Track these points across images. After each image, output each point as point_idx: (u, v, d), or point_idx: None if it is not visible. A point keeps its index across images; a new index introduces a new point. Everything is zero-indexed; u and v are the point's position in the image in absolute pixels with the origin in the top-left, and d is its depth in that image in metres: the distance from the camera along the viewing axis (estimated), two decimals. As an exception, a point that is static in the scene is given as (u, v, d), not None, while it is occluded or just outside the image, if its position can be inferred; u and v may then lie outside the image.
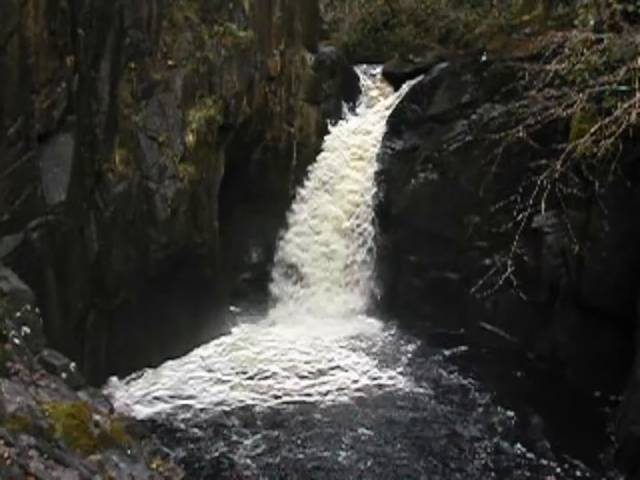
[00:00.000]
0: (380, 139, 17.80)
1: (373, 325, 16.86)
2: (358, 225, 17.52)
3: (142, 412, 12.67)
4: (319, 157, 18.07)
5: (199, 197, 14.97)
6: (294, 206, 17.89)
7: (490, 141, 14.50)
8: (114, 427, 5.62)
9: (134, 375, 13.85)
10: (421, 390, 13.75)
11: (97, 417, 5.50)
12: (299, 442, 11.89)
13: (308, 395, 13.55)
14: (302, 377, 14.24)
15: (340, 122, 18.70)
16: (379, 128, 18.03)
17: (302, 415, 12.76)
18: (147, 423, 12.03)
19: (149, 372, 14.03)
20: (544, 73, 13.27)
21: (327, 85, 18.70)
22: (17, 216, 11.03)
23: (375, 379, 14.23)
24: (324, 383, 14.01)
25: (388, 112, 18.20)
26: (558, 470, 11.15)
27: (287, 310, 17.43)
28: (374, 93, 19.65)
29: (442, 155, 16.49)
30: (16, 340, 6.13)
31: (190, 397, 13.34)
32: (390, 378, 14.23)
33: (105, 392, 12.26)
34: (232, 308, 17.00)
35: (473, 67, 16.64)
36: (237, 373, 14.32)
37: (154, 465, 5.62)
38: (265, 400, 13.28)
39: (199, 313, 15.01)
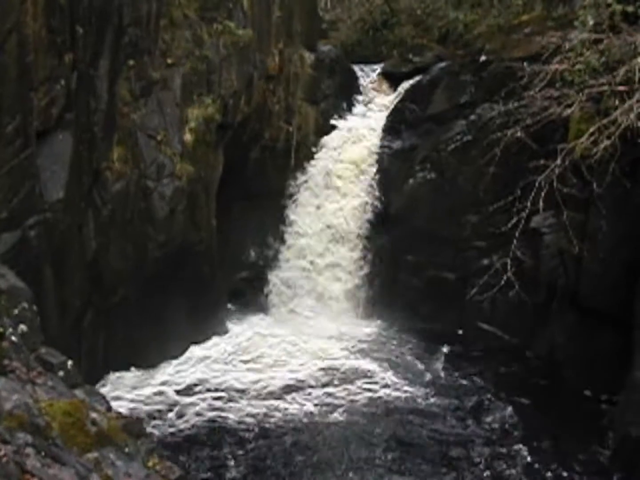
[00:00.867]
0: (378, 138, 17.79)
1: (370, 324, 16.84)
2: (356, 225, 17.51)
3: (139, 410, 12.67)
4: (316, 157, 18.06)
5: (197, 195, 14.95)
6: (292, 205, 17.88)
7: (488, 141, 14.51)
8: (110, 425, 5.61)
9: (131, 373, 13.84)
10: (417, 389, 13.75)
11: (94, 415, 5.49)
12: (291, 442, 11.91)
13: (301, 394, 13.54)
14: (298, 375, 14.25)
15: (339, 121, 18.68)
16: (378, 127, 18.02)
17: (297, 418, 12.76)
18: (144, 421, 12.03)
19: (146, 370, 14.02)
20: (543, 73, 13.29)
21: (326, 84, 18.69)
22: (15, 214, 11.01)
23: (372, 378, 14.23)
24: (319, 383, 14.01)
25: (387, 112, 18.20)
26: (555, 470, 11.16)
27: (284, 309, 17.41)
28: (373, 93, 19.64)
29: (441, 155, 16.50)
30: (13, 338, 6.11)
31: (186, 396, 13.35)
32: (387, 378, 14.22)
33: (102, 390, 12.25)
34: (229, 306, 17.00)
35: (472, 67, 16.64)
36: (234, 372, 14.35)
37: (150, 464, 5.62)
38: (259, 396, 13.31)
39: (197, 311, 15.00)
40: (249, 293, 17.67)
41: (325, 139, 18.17)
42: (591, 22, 13.71)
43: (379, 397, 13.51)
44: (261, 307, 17.46)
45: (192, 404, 13.04)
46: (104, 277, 13.20)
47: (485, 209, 15.22)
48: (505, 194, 14.03)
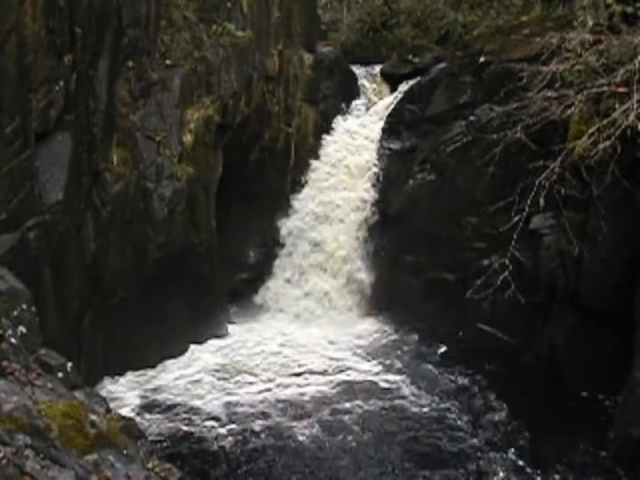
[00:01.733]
0: (378, 139, 17.80)
1: (371, 324, 16.84)
2: (356, 226, 17.53)
3: (139, 411, 12.66)
4: (316, 157, 18.08)
5: (197, 196, 14.95)
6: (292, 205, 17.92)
7: (488, 142, 14.50)
8: (110, 427, 5.60)
9: (130, 374, 13.83)
10: (418, 390, 13.74)
11: (93, 416, 5.48)
12: (294, 443, 11.91)
13: (303, 394, 13.54)
14: (298, 375, 14.26)
15: (339, 122, 18.70)
16: (377, 128, 18.03)
17: (300, 416, 12.76)
18: (143, 423, 12.03)
19: (146, 372, 14.01)
20: (543, 74, 13.28)
21: (325, 85, 18.72)
22: (14, 215, 11.00)
23: (373, 378, 14.23)
24: (319, 383, 14.01)
25: (386, 113, 18.21)
26: (557, 470, 11.15)
27: (283, 309, 17.42)
28: (372, 93, 19.65)
29: (440, 155, 16.50)
30: (12, 340, 6.10)
31: (188, 397, 13.34)
32: (388, 378, 14.22)
33: (101, 391, 12.24)
34: (229, 307, 17.00)
35: (471, 68, 16.64)
36: (234, 373, 14.35)
37: (150, 465, 5.61)
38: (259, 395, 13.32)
39: (197, 312, 15.00)
40: (249, 294, 17.67)
41: (325, 138, 18.25)
42: (590, 23, 13.73)
43: (377, 397, 13.51)
44: (260, 308, 17.45)
45: (192, 405, 13.04)
46: (103, 278, 13.19)
47: (485, 209, 15.20)
48: (504, 195, 14.01)
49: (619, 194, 12.57)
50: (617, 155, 11.64)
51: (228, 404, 13.09)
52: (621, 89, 11.88)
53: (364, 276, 17.42)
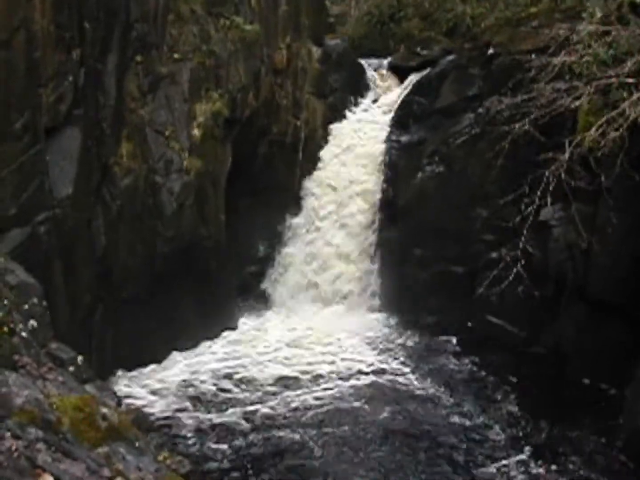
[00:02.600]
0: (386, 132, 17.77)
1: (379, 318, 16.86)
2: (364, 218, 17.52)
3: (150, 405, 12.72)
4: (324, 150, 18.09)
5: (206, 190, 14.98)
6: (301, 199, 17.93)
7: (497, 134, 14.42)
8: (121, 420, 5.64)
9: (141, 368, 13.88)
10: (426, 383, 13.76)
11: (104, 410, 5.53)
12: (301, 437, 11.97)
13: (312, 388, 13.58)
14: (307, 371, 14.30)
15: (347, 115, 18.68)
16: (386, 121, 18.00)
17: (307, 409, 12.80)
18: (154, 416, 12.10)
19: (156, 366, 14.07)
20: (551, 66, 13.22)
21: (333, 78, 18.69)
22: (24, 210, 11.07)
23: (381, 371, 14.25)
24: (327, 376, 14.04)
25: (395, 106, 18.18)
26: (565, 462, 11.16)
27: (292, 303, 17.45)
28: (381, 86, 19.61)
29: (449, 148, 16.46)
30: (23, 334, 6.15)
31: (197, 391, 13.40)
32: (396, 371, 14.25)
33: (112, 385, 12.30)
34: (238, 301, 17.05)
35: (480, 60, 16.59)
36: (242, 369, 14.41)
37: (161, 458, 5.66)
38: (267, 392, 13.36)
39: (206, 306, 15.04)
40: (258, 287, 17.71)
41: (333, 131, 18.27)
42: (599, 14, 13.62)
43: (384, 390, 13.54)
44: (270, 301, 17.49)
45: (200, 399, 13.10)
46: (113, 272, 13.24)
47: (494, 202, 15.17)
48: (513, 187, 13.94)
49: (628, 186, 12.51)
50: (625, 146, 11.58)
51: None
52: (630, 80, 11.83)
53: (372, 268, 17.41)
